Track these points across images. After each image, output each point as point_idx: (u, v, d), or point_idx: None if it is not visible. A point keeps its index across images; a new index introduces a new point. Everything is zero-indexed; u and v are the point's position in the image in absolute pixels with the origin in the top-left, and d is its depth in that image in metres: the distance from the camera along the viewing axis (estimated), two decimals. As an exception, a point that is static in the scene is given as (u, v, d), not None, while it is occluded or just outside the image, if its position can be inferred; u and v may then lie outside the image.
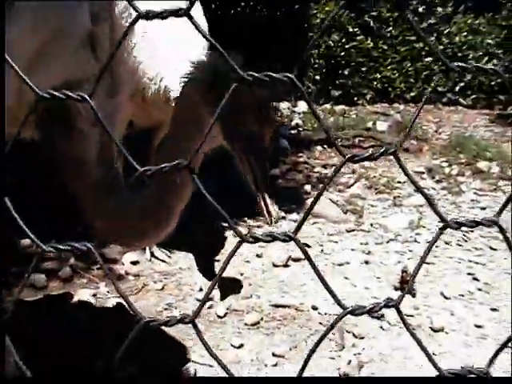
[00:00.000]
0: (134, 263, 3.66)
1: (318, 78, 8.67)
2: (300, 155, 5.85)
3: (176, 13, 0.65)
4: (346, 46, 8.76)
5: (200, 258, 3.72)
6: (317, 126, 6.46)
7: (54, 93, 0.67)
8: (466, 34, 9.01)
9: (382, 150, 0.66)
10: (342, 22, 8.69)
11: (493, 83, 8.84)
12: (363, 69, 8.94)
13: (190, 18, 0.64)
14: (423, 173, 5.67)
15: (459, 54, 9.04)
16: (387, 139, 6.29)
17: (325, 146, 6.05)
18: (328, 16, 8.59)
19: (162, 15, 0.65)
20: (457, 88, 9.16)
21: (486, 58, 8.98)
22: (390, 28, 9.05)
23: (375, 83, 8.98)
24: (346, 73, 8.81)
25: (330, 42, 8.68)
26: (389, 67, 9.06)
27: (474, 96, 9.11)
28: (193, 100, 1.74)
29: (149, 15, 0.65)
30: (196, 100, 1.73)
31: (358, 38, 8.81)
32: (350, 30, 8.78)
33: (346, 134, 6.33)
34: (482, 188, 5.41)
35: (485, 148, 6.17)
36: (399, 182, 5.34)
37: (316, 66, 8.72)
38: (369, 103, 8.75)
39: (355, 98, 8.75)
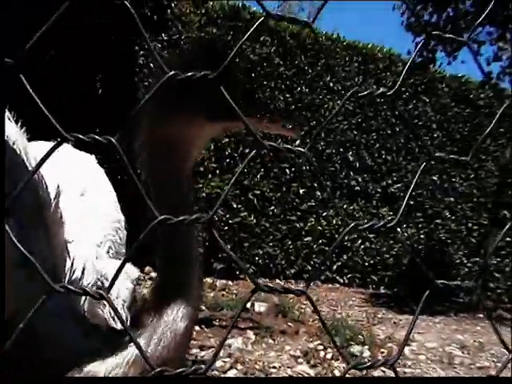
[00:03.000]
0: None
1: (200, 251, 8.76)
2: (176, 335, 5.71)
3: None
4: (230, 222, 9.05)
5: None
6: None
7: None
8: (341, 217, 9.64)
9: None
10: (227, 198, 9.04)
11: (366, 264, 9.35)
12: (245, 244, 9.20)
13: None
14: (299, 357, 5.68)
15: (336, 236, 9.58)
16: (265, 322, 6.35)
17: (202, 327, 5.98)
18: (213, 190, 8.93)
19: None
20: (334, 266, 9.59)
21: (360, 241, 9.58)
22: (273, 207, 9.50)
23: (257, 258, 9.23)
24: (229, 247, 9.02)
25: (214, 217, 8.92)
26: (270, 244, 9.39)
27: (349, 275, 9.54)
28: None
29: None
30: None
31: (242, 214, 9.15)
32: (234, 206, 9.13)
33: (224, 314, 6.33)
34: (355, 374, 5.48)
35: (357, 332, 6.35)
36: (274, 368, 5.31)
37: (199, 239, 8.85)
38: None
39: (237, 273, 8.88)
